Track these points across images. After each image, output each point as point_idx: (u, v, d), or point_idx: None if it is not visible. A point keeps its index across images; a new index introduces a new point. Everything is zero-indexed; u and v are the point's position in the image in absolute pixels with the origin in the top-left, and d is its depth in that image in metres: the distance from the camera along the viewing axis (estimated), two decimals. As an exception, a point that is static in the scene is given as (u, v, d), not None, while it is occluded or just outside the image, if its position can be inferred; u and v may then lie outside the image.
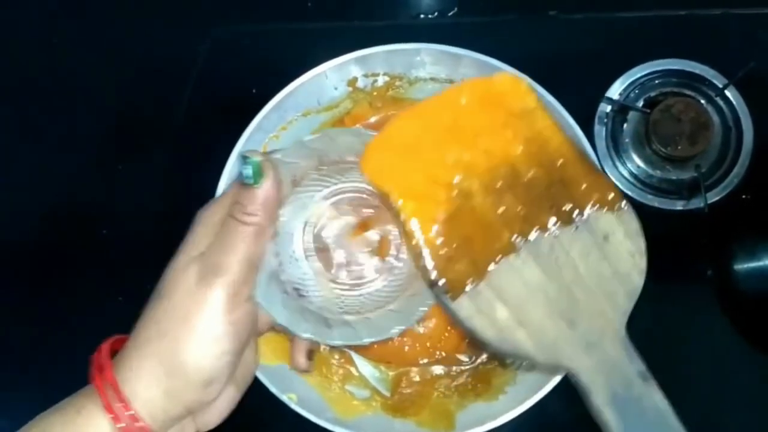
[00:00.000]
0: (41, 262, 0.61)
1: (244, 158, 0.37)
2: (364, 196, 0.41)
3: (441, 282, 0.36)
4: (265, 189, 0.37)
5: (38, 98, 0.64)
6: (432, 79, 0.53)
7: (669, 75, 0.60)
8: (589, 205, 0.38)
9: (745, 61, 0.57)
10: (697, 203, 0.57)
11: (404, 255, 0.40)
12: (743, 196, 0.58)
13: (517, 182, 0.38)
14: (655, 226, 0.58)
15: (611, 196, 0.39)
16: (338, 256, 0.41)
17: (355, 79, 0.53)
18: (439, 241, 0.36)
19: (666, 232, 0.58)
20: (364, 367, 0.51)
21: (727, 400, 0.56)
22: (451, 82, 0.52)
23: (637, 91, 0.59)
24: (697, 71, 0.59)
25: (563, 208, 0.38)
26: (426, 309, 0.40)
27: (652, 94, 0.59)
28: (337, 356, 0.51)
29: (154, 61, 0.64)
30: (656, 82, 0.59)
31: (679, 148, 0.56)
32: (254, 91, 0.61)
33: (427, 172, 0.38)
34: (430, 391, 0.51)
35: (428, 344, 0.50)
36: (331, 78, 0.52)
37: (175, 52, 0.64)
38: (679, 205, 0.57)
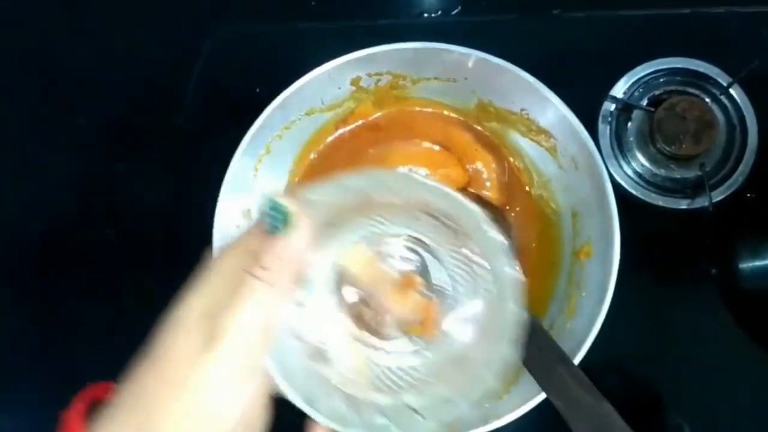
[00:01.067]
0: (45, 261, 0.61)
1: (269, 201, 0.30)
2: (410, 245, 0.35)
3: None
4: (291, 242, 0.30)
5: (41, 98, 0.64)
6: (435, 78, 0.53)
7: (673, 73, 0.59)
8: None
9: (749, 59, 0.57)
10: (701, 202, 0.57)
11: (451, 331, 0.34)
12: (748, 195, 0.58)
13: None
14: (659, 225, 0.59)
15: None
16: (372, 313, 0.34)
17: (359, 78, 0.52)
18: None
19: (670, 231, 0.58)
20: None
21: (731, 397, 0.56)
22: (454, 81, 0.52)
23: (641, 90, 0.59)
24: (701, 70, 0.59)
25: None
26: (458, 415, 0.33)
27: (657, 92, 0.59)
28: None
29: (158, 61, 0.64)
30: (660, 80, 0.59)
31: (684, 146, 0.56)
32: (258, 90, 0.62)
33: None
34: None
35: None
36: (334, 77, 0.52)
37: (178, 51, 0.64)
38: (683, 204, 0.57)
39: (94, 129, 0.63)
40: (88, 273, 0.60)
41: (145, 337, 0.31)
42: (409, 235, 0.35)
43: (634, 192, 0.58)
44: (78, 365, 0.56)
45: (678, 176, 0.58)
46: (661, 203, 0.57)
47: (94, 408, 0.32)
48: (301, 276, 0.31)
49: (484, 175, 0.54)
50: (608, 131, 0.59)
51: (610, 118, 0.59)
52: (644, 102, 0.59)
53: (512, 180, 0.54)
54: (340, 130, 0.55)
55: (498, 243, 0.32)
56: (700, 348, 0.57)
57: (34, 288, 0.61)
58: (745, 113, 0.58)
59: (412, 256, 0.35)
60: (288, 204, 0.30)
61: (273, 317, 0.30)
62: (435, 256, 0.35)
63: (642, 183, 0.58)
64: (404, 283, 0.34)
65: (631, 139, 0.59)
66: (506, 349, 0.31)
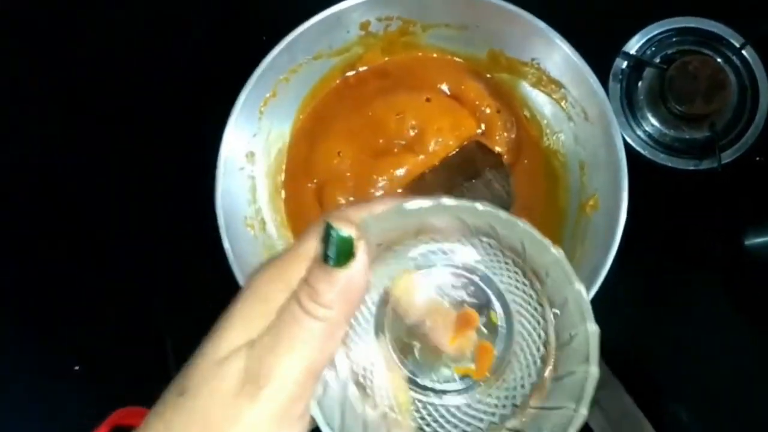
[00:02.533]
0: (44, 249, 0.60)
1: (328, 228, 0.26)
2: (469, 277, 0.31)
3: None
4: (352, 274, 0.26)
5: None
6: (446, 25, 0.52)
7: (686, 33, 0.58)
8: None
9: (763, 21, 0.56)
10: (709, 164, 0.56)
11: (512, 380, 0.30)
12: (757, 158, 0.57)
13: None
14: (667, 185, 0.58)
15: None
16: (420, 347, 0.31)
17: (368, 23, 0.51)
18: None
19: (677, 192, 0.57)
20: None
21: (732, 377, 0.55)
22: (465, 28, 0.51)
23: (653, 49, 0.58)
24: (714, 30, 0.58)
25: None
26: None
27: (669, 51, 0.58)
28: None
29: (164, 7, 0.62)
30: (673, 40, 0.58)
31: (695, 105, 0.55)
32: (264, 38, 0.60)
33: None
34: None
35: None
36: (343, 20, 0.51)
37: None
38: (691, 165, 0.57)
39: (99, 77, 0.62)
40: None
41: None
42: (469, 267, 0.31)
43: (642, 152, 0.57)
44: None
45: (687, 137, 0.57)
46: (669, 164, 0.57)
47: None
48: (353, 314, 0.28)
49: (495, 127, 0.53)
50: (619, 90, 0.58)
51: (621, 76, 0.58)
52: (657, 60, 0.58)
53: (522, 132, 0.53)
54: (347, 74, 0.54)
55: (579, 294, 0.28)
56: (699, 332, 0.56)
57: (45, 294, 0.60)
58: (757, 75, 0.57)
59: (471, 290, 0.31)
60: (349, 231, 0.26)
61: (324, 360, 0.27)
62: (497, 294, 0.31)
63: (650, 143, 0.57)
64: (462, 320, 0.31)
65: (642, 98, 0.58)
66: (581, 411, 0.27)
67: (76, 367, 0.59)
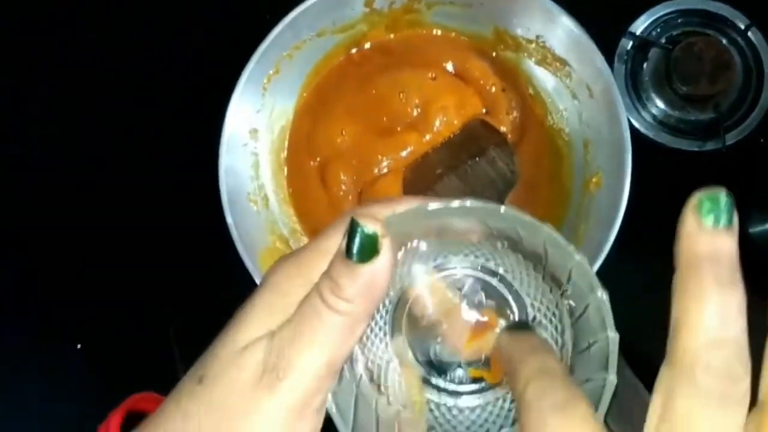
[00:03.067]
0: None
1: (353, 224, 0.26)
2: (488, 279, 0.31)
3: None
4: (376, 270, 0.26)
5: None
6: (451, 2, 0.52)
7: (692, 14, 0.58)
8: None
9: (769, 2, 0.56)
10: (713, 145, 0.56)
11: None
12: (762, 140, 0.57)
13: None
14: (671, 166, 0.58)
15: None
16: (436, 347, 0.31)
17: (373, 0, 0.51)
18: None
19: (681, 173, 0.57)
20: None
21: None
22: (470, 6, 0.51)
23: (659, 30, 0.58)
24: (720, 12, 0.58)
25: None
26: None
27: (675, 33, 0.58)
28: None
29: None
30: (679, 21, 0.58)
31: (700, 86, 0.55)
32: (268, 17, 0.60)
33: None
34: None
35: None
36: (348, -3, 0.51)
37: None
38: (695, 146, 0.57)
39: (109, 51, 0.62)
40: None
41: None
42: (489, 269, 0.31)
43: (647, 133, 0.57)
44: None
45: (692, 118, 0.57)
46: (674, 145, 0.57)
47: (133, 418, 0.29)
48: (375, 309, 0.27)
49: (500, 106, 0.53)
50: (624, 71, 0.58)
51: (626, 57, 0.58)
52: (662, 41, 0.58)
53: (527, 111, 0.53)
54: (351, 51, 0.54)
55: (602, 302, 0.27)
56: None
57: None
58: (762, 57, 0.57)
59: (490, 293, 0.31)
60: (374, 228, 0.26)
61: (344, 354, 0.26)
62: (515, 298, 0.31)
63: (655, 124, 0.57)
64: (480, 323, 0.30)
65: (647, 79, 0.58)
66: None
67: (78, 346, 0.59)
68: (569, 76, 0.50)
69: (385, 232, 0.26)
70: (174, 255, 0.58)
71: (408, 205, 0.28)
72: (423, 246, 0.30)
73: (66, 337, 0.59)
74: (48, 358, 0.59)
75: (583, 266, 0.27)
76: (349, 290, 0.25)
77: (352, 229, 0.26)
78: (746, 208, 0.56)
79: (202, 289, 0.58)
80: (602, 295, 0.27)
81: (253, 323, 0.27)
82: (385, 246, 0.26)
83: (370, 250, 0.26)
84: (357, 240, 0.26)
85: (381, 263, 0.26)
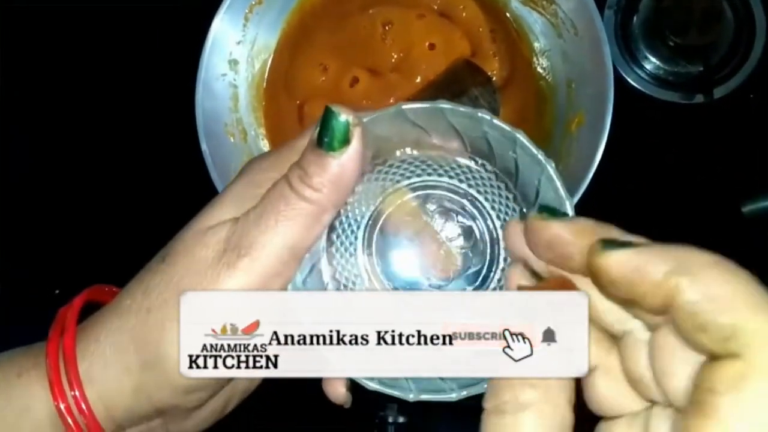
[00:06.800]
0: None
1: (327, 111, 0.26)
2: (466, 202, 0.31)
3: None
4: (344, 160, 0.26)
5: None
6: (437, -61, 0.51)
7: (685, -34, 0.58)
8: None
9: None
10: (702, 98, 0.55)
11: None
12: (750, 96, 0.56)
13: None
14: (659, 118, 0.57)
15: None
16: (405, 261, 0.31)
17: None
18: None
19: (669, 126, 0.57)
20: None
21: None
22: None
23: (650, -21, 0.57)
24: (713, -36, 0.57)
25: None
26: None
27: (666, -17, 0.57)
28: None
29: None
30: (671, -29, 0.57)
31: (689, 36, 0.54)
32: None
33: None
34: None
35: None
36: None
37: None
38: (683, 99, 0.56)
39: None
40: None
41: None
42: (461, 189, 0.31)
43: (636, 85, 0.56)
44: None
45: (682, 71, 0.56)
46: (663, 97, 0.56)
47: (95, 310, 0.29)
48: (342, 202, 0.28)
49: (487, 48, 0.52)
50: (614, 20, 0.57)
51: (616, 8, 0.57)
52: (653, -9, 0.57)
53: (512, 52, 0.52)
54: (335, -17, 0.53)
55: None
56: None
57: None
58: (755, 13, 0.56)
59: (462, 211, 0.31)
60: (347, 116, 0.26)
61: (307, 241, 0.27)
62: (487, 217, 0.31)
63: (644, 76, 0.57)
64: (447, 248, 0.31)
65: (637, 30, 0.57)
66: None
67: (57, 291, 0.58)
68: (555, 15, 0.50)
69: (358, 122, 0.26)
70: (151, 183, 0.58)
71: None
72: (398, 163, 0.31)
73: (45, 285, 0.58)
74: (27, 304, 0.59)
75: (553, 180, 0.28)
76: (318, 179, 0.26)
77: (326, 117, 0.26)
78: (738, 186, 0.55)
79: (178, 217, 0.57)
80: (571, 213, 0.28)
81: (222, 209, 0.27)
82: (357, 136, 0.26)
83: (340, 138, 0.26)
84: (329, 127, 0.26)
85: (351, 153, 0.26)
